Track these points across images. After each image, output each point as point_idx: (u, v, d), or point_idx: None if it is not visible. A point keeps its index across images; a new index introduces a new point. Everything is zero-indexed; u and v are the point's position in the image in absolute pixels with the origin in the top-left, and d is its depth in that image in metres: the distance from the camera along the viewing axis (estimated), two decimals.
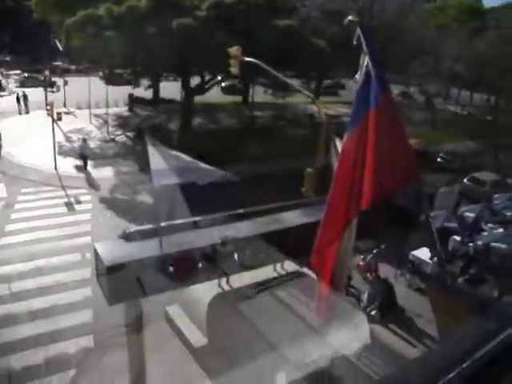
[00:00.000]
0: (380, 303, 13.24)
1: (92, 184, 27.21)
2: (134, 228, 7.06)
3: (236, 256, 7.23)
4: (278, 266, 10.10)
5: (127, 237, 6.63)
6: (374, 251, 16.12)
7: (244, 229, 7.45)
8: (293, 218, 8.04)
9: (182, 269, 6.38)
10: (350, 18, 7.61)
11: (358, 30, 5.29)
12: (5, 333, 13.54)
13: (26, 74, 63.44)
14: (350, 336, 7.07)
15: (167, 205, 6.52)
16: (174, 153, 6.55)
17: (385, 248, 16.39)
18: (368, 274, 15.67)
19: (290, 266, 10.52)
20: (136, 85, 48.98)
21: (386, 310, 12.91)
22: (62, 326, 13.96)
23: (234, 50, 19.87)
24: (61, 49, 46.22)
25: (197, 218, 6.63)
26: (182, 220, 6.73)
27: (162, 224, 6.68)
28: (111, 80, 48.00)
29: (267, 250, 7.81)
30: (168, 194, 6.36)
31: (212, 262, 6.79)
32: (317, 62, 34.13)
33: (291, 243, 7.97)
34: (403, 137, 5.40)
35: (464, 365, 1.70)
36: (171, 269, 6.20)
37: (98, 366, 12.31)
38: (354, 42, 5.50)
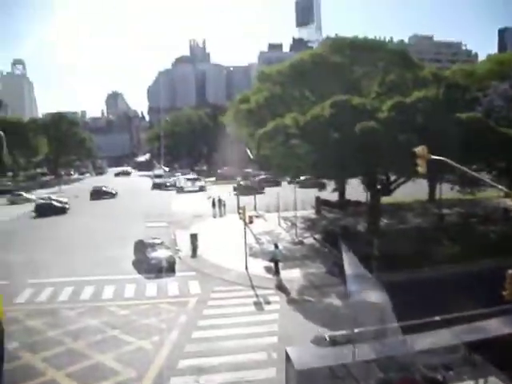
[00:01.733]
0: None
1: (280, 285, 27.85)
2: (325, 334, 6.98)
3: (434, 369, 6.68)
4: (481, 381, 9.01)
5: (319, 342, 6.57)
6: None
7: (441, 337, 6.92)
8: (496, 326, 7.26)
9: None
10: None
11: None
12: None
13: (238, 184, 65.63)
14: None
15: (360, 311, 6.35)
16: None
17: None
18: None
19: (495, 383, 9.33)
20: (322, 188, 51.05)
21: None
22: None
23: (420, 149, 19.70)
24: (251, 157, 50.25)
25: (391, 325, 6.31)
26: (376, 327, 6.48)
27: (356, 330, 6.50)
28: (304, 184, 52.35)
29: (468, 363, 7.10)
30: (361, 299, 6.20)
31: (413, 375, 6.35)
32: (507, 152, 31.79)
33: (496, 356, 7.14)
34: None
35: None
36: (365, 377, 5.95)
37: None
38: None
